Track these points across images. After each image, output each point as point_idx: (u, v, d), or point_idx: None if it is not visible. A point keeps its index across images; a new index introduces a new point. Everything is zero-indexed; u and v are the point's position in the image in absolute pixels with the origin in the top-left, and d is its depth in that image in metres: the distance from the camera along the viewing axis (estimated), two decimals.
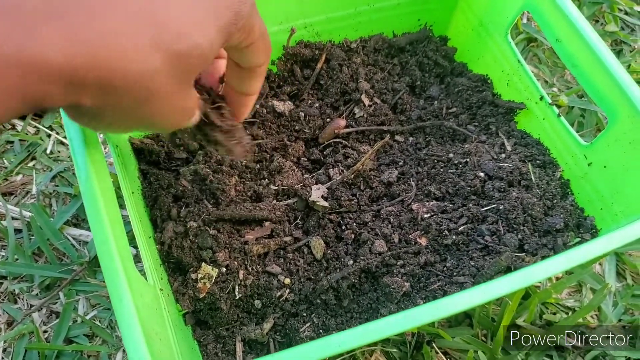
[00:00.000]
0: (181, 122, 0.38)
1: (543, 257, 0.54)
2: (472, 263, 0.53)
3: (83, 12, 0.28)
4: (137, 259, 0.50)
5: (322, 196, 0.59)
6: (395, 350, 0.62)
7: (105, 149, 0.70)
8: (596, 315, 0.68)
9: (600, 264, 0.72)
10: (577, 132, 0.79)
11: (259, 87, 0.45)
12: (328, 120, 0.66)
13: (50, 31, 0.26)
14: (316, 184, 0.61)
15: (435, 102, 0.70)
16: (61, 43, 0.27)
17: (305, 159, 0.64)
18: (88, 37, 0.27)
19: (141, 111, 0.33)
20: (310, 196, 0.59)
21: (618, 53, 0.93)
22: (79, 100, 0.30)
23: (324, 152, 0.65)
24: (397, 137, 0.67)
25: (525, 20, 0.96)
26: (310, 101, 0.68)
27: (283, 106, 0.66)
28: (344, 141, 0.65)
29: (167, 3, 0.31)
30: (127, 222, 0.50)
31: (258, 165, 0.63)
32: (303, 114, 0.66)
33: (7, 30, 0.25)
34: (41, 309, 0.64)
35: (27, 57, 0.26)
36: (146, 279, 0.48)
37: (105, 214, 0.41)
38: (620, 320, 0.67)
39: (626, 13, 0.98)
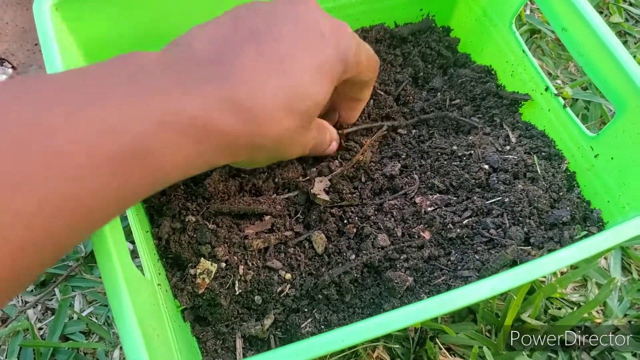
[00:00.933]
0: (301, 154, 0.48)
1: (549, 251, 0.53)
2: (477, 257, 0.52)
3: (243, 97, 0.36)
4: (134, 254, 0.49)
5: (324, 189, 0.58)
6: (398, 346, 0.62)
7: None
8: (601, 310, 0.67)
9: (605, 258, 0.71)
10: (582, 124, 0.79)
11: (369, 93, 0.54)
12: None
13: (227, 115, 0.35)
14: (319, 175, 0.60)
15: (439, 93, 0.69)
16: (238, 119, 0.36)
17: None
18: (248, 115, 0.36)
19: (278, 154, 0.43)
20: (312, 188, 0.57)
21: (623, 44, 0.91)
22: (238, 159, 0.39)
23: None
24: (399, 130, 0.66)
25: (528, 12, 0.95)
26: None
27: None
28: (345, 135, 0.64)
29: (298, 71, 0.38)
30: (123, 217, 0.49)
31: None
32: None
33: (208, 108, 0.35)
34: (36, 305, 0.63)
35: (216, 129, 0.35)
36: (143, 274, 0.47)
37: None
38: (625, 315, 0.66)
39: (631, 4, 0.97)
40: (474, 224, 0.55)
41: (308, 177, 0.59)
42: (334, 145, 0.57)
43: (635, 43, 0.91)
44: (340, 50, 0.42)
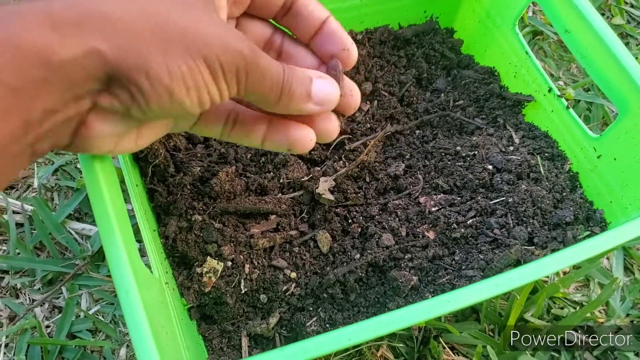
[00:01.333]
0: (243, 53, 0.32)
1: (553, 251, 0.53)
2: (481, 256, 0.53)
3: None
4: (141, 252, 0.50)
5: (329, 189, 0.58)
6: (402, 345, 0.62)
7: None
8: (604, 310, 0.67)
9: (607, 258, 0.71)
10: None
11: (322, 6, 0.41)
12: None
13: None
14: (323, 175, 0.60)
15: (442, 94, 0.69)
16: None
17: (309, 153, 0.64)
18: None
19: (171, 46, 0.29)
20: (317, 188, 0.58)
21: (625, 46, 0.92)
22: (89, 42, 0.27)
23: (330, 146, 0.65)
24: (404, 131, 0.66)
25: (530, 14, 0.95)
26: None
27: None
28: (350, 135, 0.64)
29: None
30: (131, 216, 0.50)
31: (263, 159, 0.62)
32: None
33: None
34: (43, 303, 0.64)
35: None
36: (152, 272, 0.47)
37: (111, 206, 0.40)
38: (628, 315, 0.67)
39: (632, 6, 0.98)
40: (478, 224, 0.55)
41: (312, 176, 0.59)
42: (324, 87, 0.39)
43: (637, 45, 0.92)
44: None
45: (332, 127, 0.43)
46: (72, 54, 0.26)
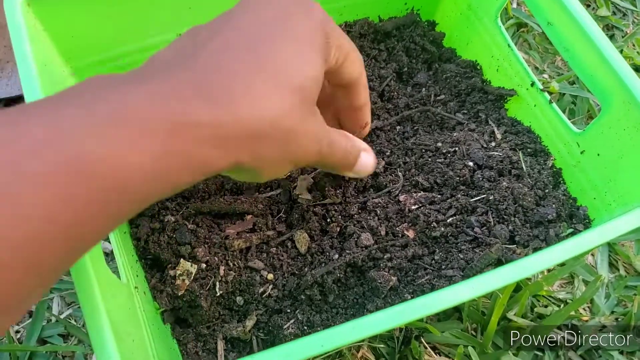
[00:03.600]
0: (318, 149, 0.40)
1: (535, 249, 0.52)
2: (461, 256, 0.51)
3: (212, 83, 0.32)
4: (112, 255, 0.48)
5: (307, 188, 0.57)
6: (382, 345, 0.61)
7: None
8: (589, 307, 0.67)
9: (592, 255, 0.70)
10: (569, 119, 0.78)
11: (367, 94, 0.49)
12: None
13: (200, 101, 0.31)
14: (302, 174, 0.59)
15: (423, 89, 0.68)
16: (208, 105, 0.31)
17: None
18: (225, 99, 0.32)
19: (290, 150, 0.36)
20: (294, 188, 0.57)
21: (610, 38, 0.90)
22: (238, 158, 0.33)
23: None
24: (384, 127, 0.65)
25: (515, 5, 0.94)
26: None
27: None
28: None
29: (274, 50, 0.35)
30: None
31: None
32: None
33: (166, 103, 0.30)
34: None
35: (186, 121, 0.30)
36: (119, 277, 0.46)
37: None
38: (612, 312, 0.66)
39: None
40: (458, 223, 0.54)
41: (290, 174, 0.58)
42: (367, 159, 0.48)
43: (622, 36, 0.91)
44: (317, 20, 0.38)
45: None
46: (224, 165, 0.33)
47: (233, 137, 0.32)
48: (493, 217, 0.54)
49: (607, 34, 0.90)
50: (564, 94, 0.82)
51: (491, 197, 0.54)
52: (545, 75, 0.86)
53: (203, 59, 0.33)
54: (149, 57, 0.36)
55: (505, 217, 0.53)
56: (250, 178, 0.39)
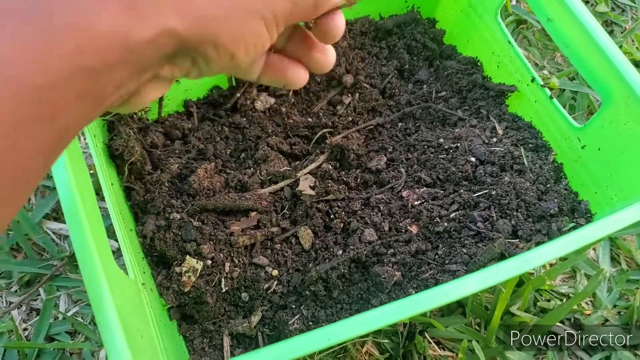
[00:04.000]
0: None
1: (537, 243, 0.52)
2: (465, 250, 0.52)
3: None
4: (119, 253, 0.48)
5: (310, 186, 0.57)
6: (387, 341, 0.61)
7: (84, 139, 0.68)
8: (591, 301, 0.67)
9: (594, 249, 0.70)
10: (569, 114, 0.78)
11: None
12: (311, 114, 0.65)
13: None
14: (303, 168, 0.59)
15: (425, 86, 0.68)
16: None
17: (289, 147, 0.62)
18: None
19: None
20: (298, 186, 0.57)
21: (609, 34, 0.91)
22: (164, 23, 0.26)
23: (311, 140, 0.64)
24: (385, 124, 0.65)
25: (514, 2, 0.94)
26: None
27: (264, 104, 0.64)
28: (331, 129, 0.63)
29: None
30: (106, 216, 0.49)
31: (243, 154, 0.61)
32: (284, 109, 0.64)
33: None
34: (21, 306, 0.62)
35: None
36: (127, 273, 0.46)
37: (82, 208, 0.39)
38: (615, 306, 0.66)
39: None
40: (461, 218, 0.54)
41: (294, 167, 0.59)
42: None
43: (621, 32, 0.91)
44: None
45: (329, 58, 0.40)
46: (148, 35, 0.26)
47: None
48: (496, 212, 0.54)
49: (606, 30, 0.90)
50: (564, 89, 0.83)
51: (493, 192, 0.55)
52: (545, 72, 0.86)
53: None
54: None
55: (507, 211, 0.54)
56: (214, 64, 0.31)
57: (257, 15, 0.30)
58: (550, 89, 0.61)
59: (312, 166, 0.59)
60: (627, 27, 0.91)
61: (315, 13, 0.34)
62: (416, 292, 0.50)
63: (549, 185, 0.57)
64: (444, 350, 0.62)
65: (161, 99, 0.63)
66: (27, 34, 0.23)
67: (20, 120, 0.23)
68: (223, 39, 0.29)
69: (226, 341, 0.52)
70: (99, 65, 0.25)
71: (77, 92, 0.25)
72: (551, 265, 0.67)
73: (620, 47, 0.88)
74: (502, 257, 0.51)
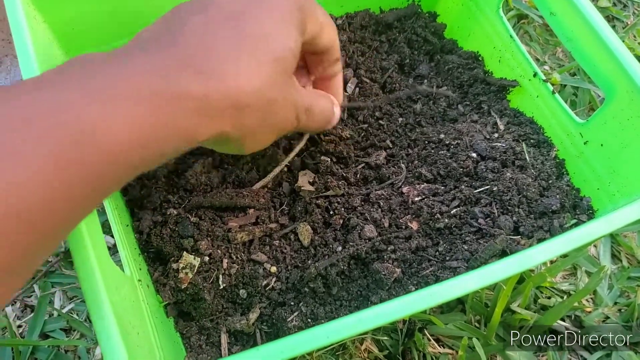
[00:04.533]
0: (297, 118, 0.43)
1: (539, 240, 0.52)
2: (466, 247, 0.51)
3: (198, 58, 0.34)
4: (115, 249, 0.48)
5: (309, 182, 0.57)
6: (386, 338, 0.61)
7: None
8: (592, 298, 0.67)
9: (595, 246, 0.70)
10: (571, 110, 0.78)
11: (340, 66, 0.51)
12: None
13: (188, 74, 0.33)
14: (302, 169, 0.58)
15: (425, 80, 0.68)
16: (196, 78, 0.33)
17: (288, 142, 0.62)
18: (211, 72, 0.34)
19: (270, 119, 0.39)
20: (297, 181, 0.56)
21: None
22: (222, 128, 0.35)
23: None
24: (384, 118, 0.64)
25: None
26: None
27: None
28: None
29: (254, 25, 0.37)
30: (102, 211, 0.48)
31: None
32: None
33: (155, 79, 0.32)
34: (15, 302, 0.62)
35: (174, 93, 0.32)
36: (123, 270, 0.46)
37: None
38: (616, 303, 0.66)
39: None
40: (462, 214, 0.54)
41: (291, 159, 0.58)
42: (338, 111, 0.51)
43: (623, 27, 0.91)
44: None
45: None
46: (208, 135, 0.35)
47: (218, 107, 0.34)
48: (497, 208, 0.53)
49: None
50: (566, 85, 0.82)
51: (495, 188, 0.54)
52: (547, 67, 0.85)
53: (187, 34, 0.35)
54: (136, 35, 0.37)
55: (509, 208, 0.53)
56: (234, 149, 0.42)
57: (275, 132, 0.42)
58: (552, 85, 0.60)
59: (297, 149, 0.58)
60: (629, 23, 0.91)
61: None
62: (416, 289, 0.49)
63: (550, 182, 0.56)
64: (444, 347, 0.61)
65: None
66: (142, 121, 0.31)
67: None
68: (248, 142, 0.40)
69: (224, 338, 0.52)
70: (170, 153, 0.34)
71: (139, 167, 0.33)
72: (552, 262, 0.67)
73: (622, 42, 0.87)
74: (503, 253, 0.50)
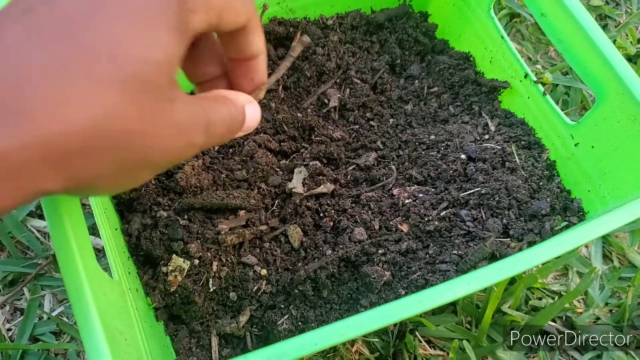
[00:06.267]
0: (188, 143, 0.32)
1: (529, 243, 0.52)
2: (455, 250, 0.51)
3: (12, 80, 0.25)
4: (104, 252, 0.47)
5: (302, 181, 0.57)
6: (377, 340, 0.61)
7: None
8: (583, 299, 0.67)
9: (586, 247, 0.70)
10: (562, 110, 0.77)
11: (262, 42, 0.39)
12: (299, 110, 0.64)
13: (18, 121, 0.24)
14: (293, 167, 0.58)
15: (416, 81, 0.67)
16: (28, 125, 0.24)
17: (278, 144, 0.61)
18: (17, 112, 0.24)
19: (132, 157, 0.29)
20: (289, 183, 0.56)
21: (603, 28, 0.90)
22: (44, 187, 0.26)
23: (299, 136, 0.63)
24: (375, 119, 0.64)
25: None
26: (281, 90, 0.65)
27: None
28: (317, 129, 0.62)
29: (97, 30, 0.26)
30: (89, 215, 0.48)
31: (231, 150, 0.60)
32: (274, 105, 0.63)
33: None
34: (4, 305, 0.61)
35: (7, 147, 0.24)
36: (111, 274, 0.45)
37: (63, 206, 0.38)
38: (607, 304, 0.66)
39: None
40: (452, 216, 0.54)
41: (285, 164, 0.58)
42: (253, 113, 0.39)
43: (615, 26, 0.90)
44: None
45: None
46: (19, 202, 0.26)
47: (30, 163, 0.25)
48: (485, 211, 0.53)
49: (600, 24, 0.90)
50: (557, 84, 0.82)
51: (484, 191, 0.54)
52: (539, 66, 0.85)
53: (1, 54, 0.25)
54: None
55: (498, 210, 0.53)
56: (95, 193, 0.34)
57: (151, 169, 0.32)
58: (544, 84, 0.60)
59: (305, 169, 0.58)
60: (621, 21, 0.91)
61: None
62: (406, 293, 0.49)
63: (541, 183, 0.56)
64: (435, 349, 0.61)
65: None
66: None
67: None
68: (106, 189, 0.31)
69: (214, 341, 0.52)
70: None
71: None
72: (543, 263, 0.67)
73: (614, 41, 0.87)
74: (493, 256, 0.50)
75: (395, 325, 0.61)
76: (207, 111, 0.33)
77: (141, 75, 0.27)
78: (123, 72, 0.26)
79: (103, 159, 0.27)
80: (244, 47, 0.38)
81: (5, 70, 0.25)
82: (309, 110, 0.63)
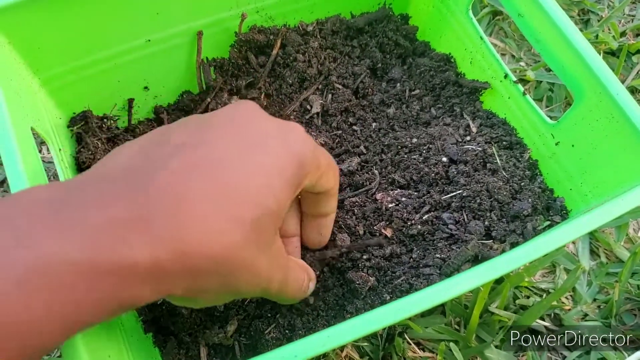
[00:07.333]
0: (263, 287, 0.37)
1: (512, 244, 0.52)
2: (438, 254, 0.51)
3: (162, 212, 0.29)
4: None
5: None
6: (366, 344, 0.61)
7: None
8: (571, 296, 0.67)
9: (573, 243, 0.70)
10: (547, 107, 0.78)
11: (335, 204, 0.48)
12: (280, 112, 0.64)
13: (136, 239, 0.28)
14: None
15: (398, 84, 0.67)
16: (146, 245, 0.28)
17: None
18: (170, 234, 0.29)
19: (230, 284, 0.33)
20: None
21: (586, 23, 0.91)
22: (169, 292, 0.31)
23: None
24: (358, 124, 0.64)
25: None
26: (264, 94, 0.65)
27: None
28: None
29: (239, 179, 0.32)
30: None
31: None
32: None
33: (97, 242, 0.27)
34: None
35: (117, 264, 0.27)
36: None
37: None
38: (595, 300, 0.66)
39: None
40: (434, 219, 0.54)
41: None
42: (311, 289, 0.47)
43: (597, 21, 0.90)
44: (294, 150, 0.36)
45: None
46: (153, 299, 0.30)
47: (170, 274, 0.29)
48: (467, 213, 0.53)
49: (582, 19, 0.90)
50: (541, 81, 0.82)
51: (465, 193, 0.54)
52: (522, 63, 0.85)
53: (158, 183, 0.30)
54: (97, 164, 0.34)
55: (480, 212, 0.53)
56: (180, 304, 0.39)
57: (232, 296, 0.39)
58: (527, 82, 0.60)
59: None
60: (604, 16, 0.91)
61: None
62: (391, 298, 0.50)
63: (523, 184, 0.56)
64: (424, 351, 0.61)
65: (130, 106, 0.62)
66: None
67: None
68: (200, 303, 0.36)
69: (203, 351, 0.52)
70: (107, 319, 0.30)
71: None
72: (530, 262, 0.67)
73: (597, 36, 0.87)
74: (476, 259, 0.50)
75: (383, 328, 0.61)
76: (290, 265, 0.41)
77: (262, 221, 0.33)
78: (253, 215, 0.32)
79: (215, 280, 0.32)
80: (322, 207, 0.46)
81: (162, 189, 0.30)
82: (292, 117, 0.64)
